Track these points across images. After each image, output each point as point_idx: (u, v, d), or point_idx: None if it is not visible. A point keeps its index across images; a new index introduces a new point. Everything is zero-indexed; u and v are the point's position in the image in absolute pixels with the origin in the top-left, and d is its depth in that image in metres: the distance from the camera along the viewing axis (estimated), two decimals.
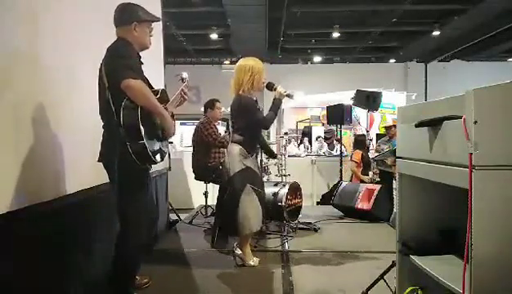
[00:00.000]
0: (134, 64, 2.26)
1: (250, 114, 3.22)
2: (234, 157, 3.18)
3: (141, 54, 2.50)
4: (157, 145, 2.31)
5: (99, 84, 2.30)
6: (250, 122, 3.23)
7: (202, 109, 4.93)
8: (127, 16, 2.38)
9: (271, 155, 4.75)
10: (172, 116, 2.54)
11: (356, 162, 6.24)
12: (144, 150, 2.16)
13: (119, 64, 2.19)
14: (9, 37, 1.92)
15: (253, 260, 3.28)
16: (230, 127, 3.47)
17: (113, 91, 2.20)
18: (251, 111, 3.22)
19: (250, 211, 3.16)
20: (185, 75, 2.85)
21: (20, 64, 2.04)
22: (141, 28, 2.39)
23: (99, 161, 2.36)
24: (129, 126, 2.15)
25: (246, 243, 3.30)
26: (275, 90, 3.31)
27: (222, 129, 5.05)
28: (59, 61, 2.38)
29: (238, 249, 3.29)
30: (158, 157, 2.30)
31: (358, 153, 6.29)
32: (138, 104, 2.16)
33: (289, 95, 3.35)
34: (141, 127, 2.14)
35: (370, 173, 6.09)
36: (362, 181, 5.96)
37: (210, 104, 4.85)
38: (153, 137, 2.28)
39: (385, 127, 6.49)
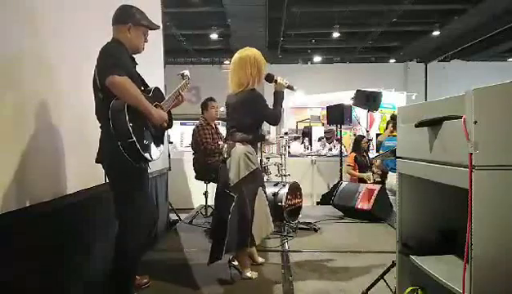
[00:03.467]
0: (123, 63, 2.24)
1: (261, 110, 2.95)
2: (240, 159, 2.87)
3: (141, 53, 2.49)
4: (150, 142, 2.30)
5: (93, 85, 2.30)
6: (259, 119, 3.01)
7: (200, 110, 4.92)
8: (124, 16, 2.37)
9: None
10: (169, 113, 2.54)
11: (350, 166, 6.24)
12: (135, 149, 2.15)
13: (106, 63, 2.19)
14: (11, 37, 1.92)
15: (252, 273, 3.02)
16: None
17: (104, 92, 2.20)
18: (262, 107, 2.95)
19: (263, 218, 2.97)
20: (186, 73, 2.82)
21: (22, 63, 2.03)
22: (136, 31, 2.38)
23: (97, 162, 2.36)
24: (118, 126, 2.14)
25: (246, 253, 3.06)
26: (275, 82, 3.04)
27: (222, 129, 4.99)
28: (61, 60, 2.37)
29: (235, 260, 3.04)
30: (151, 154, 2.29)
31: (351, 156, 6.28)
32: (124, 101, 2.15)
33: (290, 87, 3.13)
34: (130, 126, 2.13)
35: (365, 175, 6.07)
36: (362, 180, 5.94)
37: (204, 105, 4.82)
38: (145, 135, 2.26)
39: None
